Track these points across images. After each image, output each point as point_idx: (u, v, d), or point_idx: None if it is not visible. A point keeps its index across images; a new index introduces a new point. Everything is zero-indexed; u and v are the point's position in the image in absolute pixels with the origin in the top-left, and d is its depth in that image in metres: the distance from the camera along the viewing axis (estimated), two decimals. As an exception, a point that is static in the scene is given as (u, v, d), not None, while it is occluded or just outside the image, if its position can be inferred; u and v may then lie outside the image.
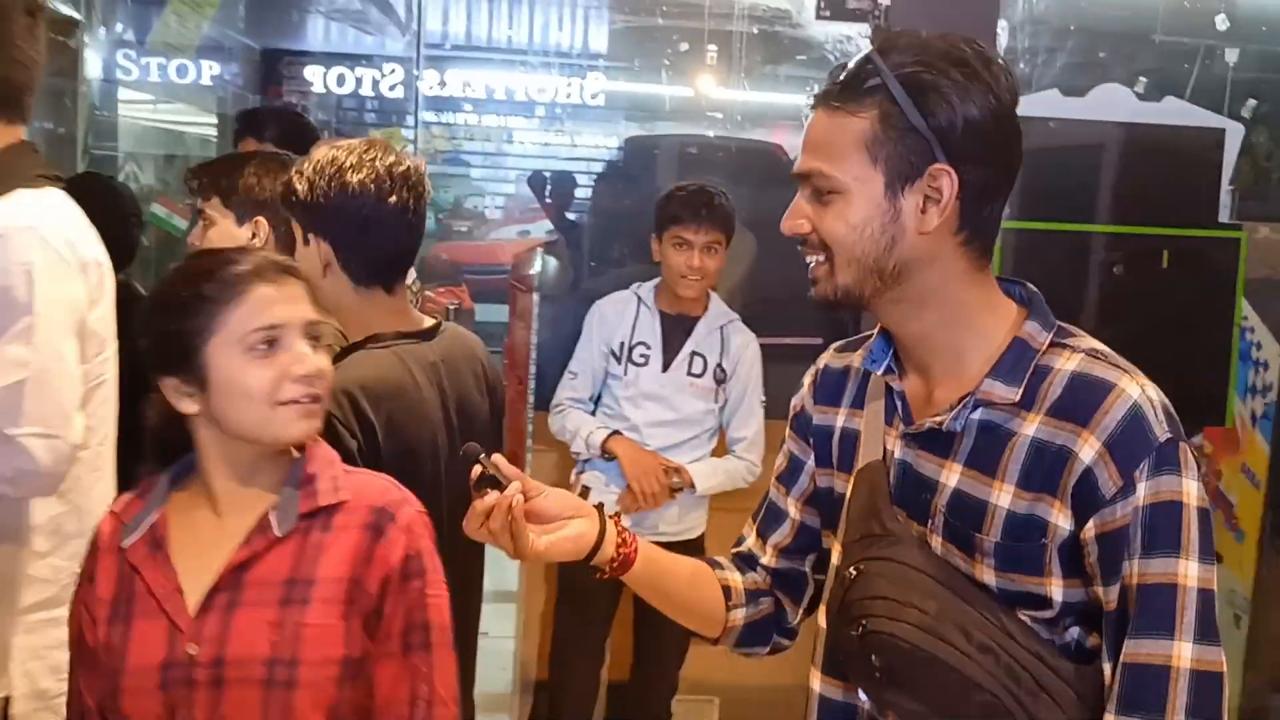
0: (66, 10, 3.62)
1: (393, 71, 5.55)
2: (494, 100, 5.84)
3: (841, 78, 1.28)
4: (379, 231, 1.88)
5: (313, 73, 5.56)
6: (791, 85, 5.14)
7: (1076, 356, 1.26)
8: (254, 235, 2.21)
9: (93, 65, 4.01)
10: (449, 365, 1.99)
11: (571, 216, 5.16)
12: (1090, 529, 1.20)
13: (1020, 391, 1.25)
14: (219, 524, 1.51)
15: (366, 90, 5.55)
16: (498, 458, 1.36)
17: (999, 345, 1.29)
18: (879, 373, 1.38)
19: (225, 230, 2.24)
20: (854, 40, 3.35)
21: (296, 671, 1.43)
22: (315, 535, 1.49)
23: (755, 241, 3.67)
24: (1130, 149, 3.40)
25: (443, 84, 5.60)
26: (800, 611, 1.56)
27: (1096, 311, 3.41)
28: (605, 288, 3.35)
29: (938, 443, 1.31)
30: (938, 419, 1.30)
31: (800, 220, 1.31)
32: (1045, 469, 1.22)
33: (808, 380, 1.55)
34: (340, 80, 5.55)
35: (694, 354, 3.11)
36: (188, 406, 1.49)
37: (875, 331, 1.44)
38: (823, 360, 1.54)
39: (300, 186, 1.88)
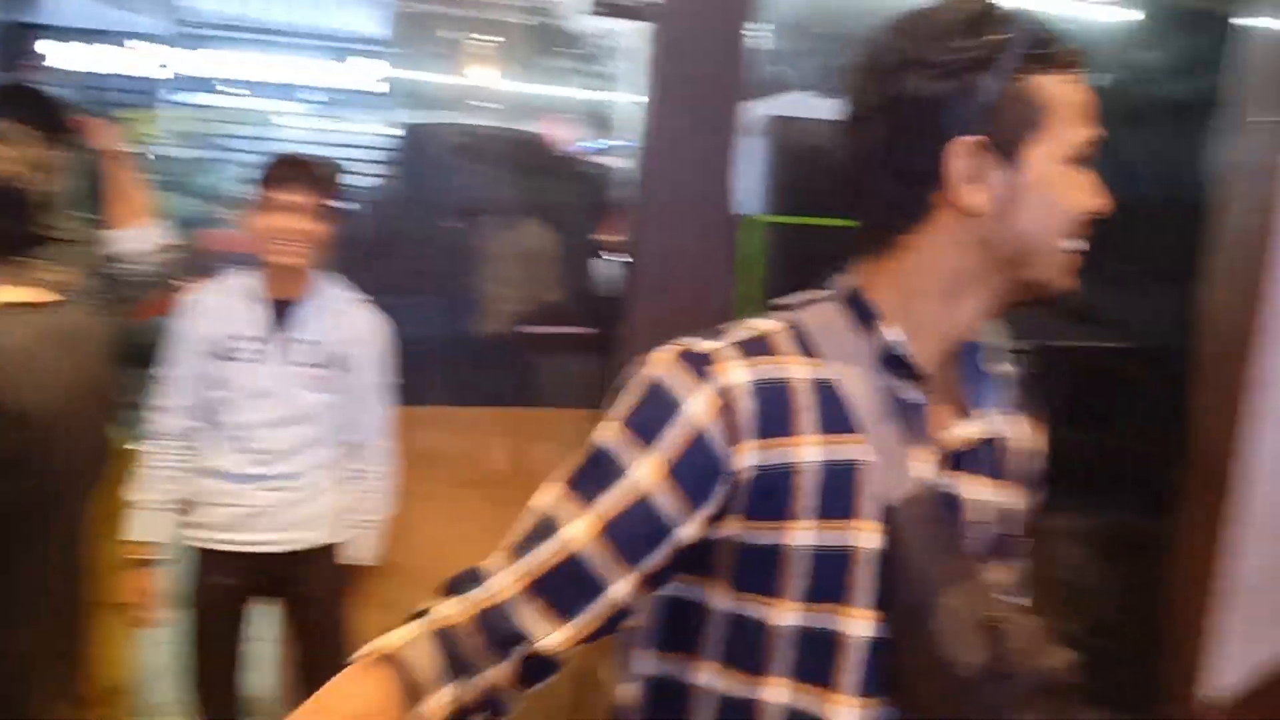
0: None
1: (148, 50, 5.36)
2: (255, 83, 5.71)
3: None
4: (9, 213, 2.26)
5: (60, 48, 5.31)
6: (561, 77, 5.26)
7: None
8: None
9: None
10: (67, 339, 2.30)
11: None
12: None
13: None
14: None
15: (117, 68, 5.34)
16: None
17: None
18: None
19: None
20: (619, 35, 3.46)
21: None
22: None
23: (548, 234, 3.68)
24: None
25: (198, 64, 5.45)
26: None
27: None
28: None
29: (971, 460, 1.13)
30: (981, 433, 1.14)
31: None
32: (1028, 466, 1.22)
33: (712, 406, 1.02)
34: (89, 57, 5.32)
35: (298, 341, 2.60)
36: None
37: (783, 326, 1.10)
38: (732, 376, 1.04)
39: None
